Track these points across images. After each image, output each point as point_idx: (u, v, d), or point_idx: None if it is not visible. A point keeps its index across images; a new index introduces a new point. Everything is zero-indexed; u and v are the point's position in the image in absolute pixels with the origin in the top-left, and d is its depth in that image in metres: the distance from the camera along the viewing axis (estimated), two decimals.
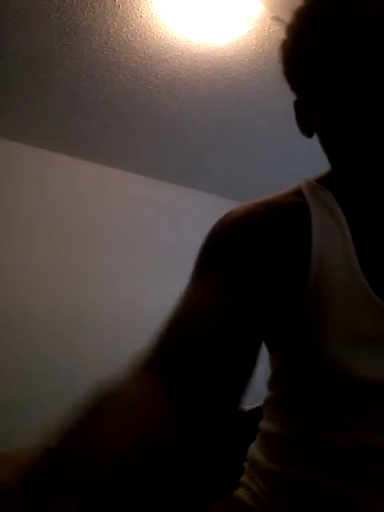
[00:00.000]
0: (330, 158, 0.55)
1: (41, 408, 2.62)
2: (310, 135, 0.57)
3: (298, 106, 0.59)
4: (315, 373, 0.52)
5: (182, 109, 2.38)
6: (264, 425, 0.62)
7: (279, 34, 1.78)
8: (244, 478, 0.62)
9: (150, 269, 3.23)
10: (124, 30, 1.80)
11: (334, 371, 0.49)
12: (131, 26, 1.77)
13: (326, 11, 0.51)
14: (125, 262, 3.13)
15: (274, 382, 0.60)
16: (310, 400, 0.53)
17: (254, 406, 0.75)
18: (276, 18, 1.69)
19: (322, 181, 0.57)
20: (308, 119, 0.56)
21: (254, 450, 0.63)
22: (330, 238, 0.50)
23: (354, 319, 0.48)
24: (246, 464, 0.64)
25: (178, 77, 2.10)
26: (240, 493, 0.60)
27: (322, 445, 0.52)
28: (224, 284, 0.46)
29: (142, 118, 2.47)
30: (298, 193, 0.55)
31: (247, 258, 0.49)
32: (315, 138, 0.57)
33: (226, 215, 0.55)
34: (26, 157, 2.79)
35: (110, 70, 2.06)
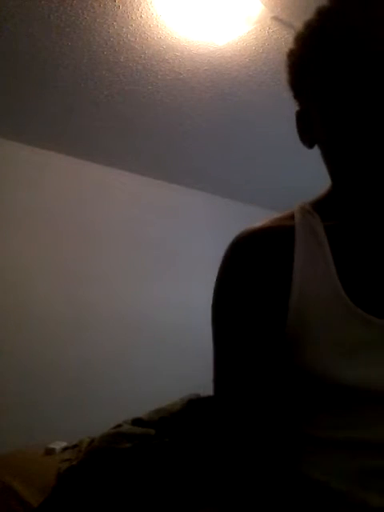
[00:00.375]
0: (330, 170, 0.57)
1: (39, 408, 2.62)
2: (311, 146, 0.59)
3: (300, 115, 0.60)
4: (304, 383, 0.54)
5: (182, 109, 2.38)
6: None
7: (279, 34, 1.78)
8: None
9: (148, 269, 3.23)
10: (124, 30, 1.80)
11: (322, 381, 0.51)
12: (131, 26, 1.77)
13: (335, 25, 0.52)
14: (124, 262, 3.13)
15: None
16: (301, 409, 0.56)
17: None
18: (276, 19, 1.69)
19: (316, 203, 0.60)
20: (310, 129, 0.58)
21: None
22: (312, 257, 0.54)
23: (337, 330, 0.51)
24: None
25: (178, 77, 2.10)
26: None
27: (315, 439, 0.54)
28: (241, 342, 0.56)
29: (142, 117, 2.47)
30: (292, 216, 0.59)
31: (247, 298, 0.56)
32: None
33: (227, 252, 0.60)
34: (25, 156, 2.79)
35: (109, 69, 2.06)
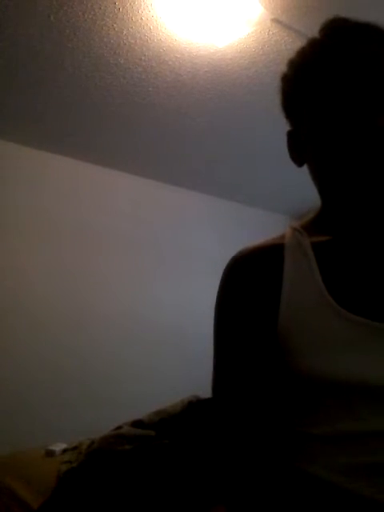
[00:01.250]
0: (319, 190, 0.63)
1: (39, 409, 2.61)
2: (300, 164, 0.65)
3: (291, 135, 0.66)
4: (296, 382, 0.58)
5: (182, 110, 2.38)
6: None
7: (279, 36, 1.79)
8: None
9: (149, 270, 3.23)
10: (124, 31, 1.80)
11: (310, 378, 0.55)
12: (131, 28, 1.78)
13: (327, 57, 0.58)
14: (124, 264, 3.13)
15: None
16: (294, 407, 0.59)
17: None
18: (276, 21, 1.70)
19: (305, 223, 0.66)
20: (300, 149, 0.64)
21: None
22: (299, 269, 0.59)
23: (323, 330, 0.55)
24: None
25: (178, 78, 2.11)
26: None
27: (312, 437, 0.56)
28: (239, 349, 0.60)
29: (142, 119, 2.48)
30: (283, 236, 0.65)
31: (243, 308, 0.61)
32: None
33: (225, 271, 0.65)
34: (25, 158, 2.80)
35: (110, 71, 2.07)
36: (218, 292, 0.64)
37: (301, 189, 2.49)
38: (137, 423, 1.84)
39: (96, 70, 2.06)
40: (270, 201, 3.63)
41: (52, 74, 2.08)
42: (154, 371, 3.09)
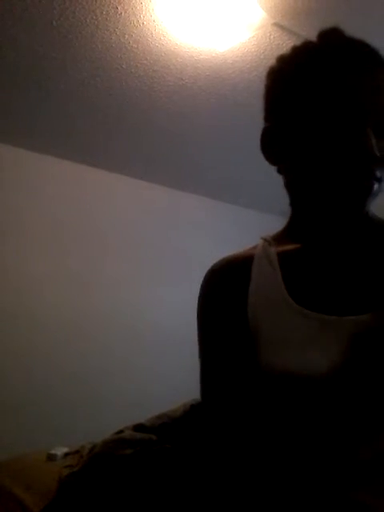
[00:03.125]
0: (292, 193, 0.66)
1: (41, 413, 2.61)
2: (275, 163, 0.67)
3: (268, 132, 0.66)
4: (265, 379, 0.60)
5: (183, 114, 2.39)
6: None
7: (280, 40, 1.79)
8: None
9: (150, 273, 3.23)
10: (126, 36, 1.81)
11: (273, 373, 0.58)
12: (133, 32, 1.79)
13: (320, 63, 0.59)
14: (125, 267, 3.13)
15: None
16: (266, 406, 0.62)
17: None
18: (277, 25, 1.70)
19: (276, 235, 0.71)
20: (276, 148, 0.65)
21: None
22: (264, 273, 0.64)
23: (283, 326, 0.58)
24: None
25: (180, 82, 2.11)
26: None
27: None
28: (219, 348, 0.65)
29: (144, 123, 2.49)
30: (255, 247, 0.70)
31: (219, 311, 0.67)
32: None
33: (203, 279, 0.72)
34: (28, 163, 2.81)
35: (111, 76, 2.08)
36: (198, 301, 0.70)
37: None
38: (138, 427, 1.83)
39: (98, 75, 2.07)
40: (271, 204, 3.63)
41: (54, 78, 2.09)
42: (155, 374, 3.08)
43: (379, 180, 0.57)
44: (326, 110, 0.56)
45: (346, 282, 0.58)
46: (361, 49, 0.58)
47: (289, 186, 0.66)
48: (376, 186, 0.57)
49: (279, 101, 0.63)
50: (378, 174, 0.56)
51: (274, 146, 0.65)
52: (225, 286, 0.66)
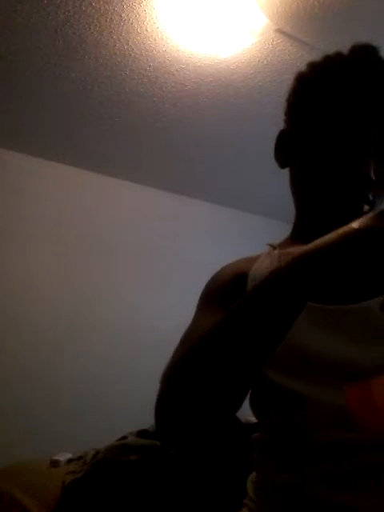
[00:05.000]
0: (297, 197, 0.67)
1: (44, 419, 2.61)
2: (282, 166, 0.68)
3: (283, 135, 0.68)
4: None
5: (187, 120, 2.40)
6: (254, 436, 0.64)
7: (283, 46, 1.80)
8: (246, 500, 0.62)
9: (153, 278, 3.23)
10: (130, 43, 1.82)
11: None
12: (137, 39, 1.80)
13: (348, 80, 0.59)
14: (128, 272, 3.13)
15: None
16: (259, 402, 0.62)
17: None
18: (280, 31, 1.71)
19: (282, 241, 0.72)
20: (288, 152, 0.66)
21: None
22: (265, 262, 0.66)
23: None
24: (248, 484, 0.64)
25: (183, 89, 2.12)
26: None
27: (287, 446, 0.56)
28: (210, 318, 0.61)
29: (147, 129, 2.50)
30: (262, 253, 0.72)
31: (221, 294, 0.66)
32: None
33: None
34: (31, 169, 2.82)
35: (115, 82, 2.09)
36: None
37: None
38: (142, 433, 1.82)
39: (102, 81, 2.08)
40: (275, 209, 3.63)
41: (58, 84, 2.11)
42: (159, 380, 3.07)
43: (371, 203, 0.58)
44: (336, 125, 0.58)
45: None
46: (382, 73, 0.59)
47: (293, 189, 0.68)
48: (366, 208, 0.58)
49: (298, 106, 0.65)
50: (371, 196, 0.58)
51: (285, 148, 0.67)
52: (230, 271, 0.68)
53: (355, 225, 0.40)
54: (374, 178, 0.56)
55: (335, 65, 0.61)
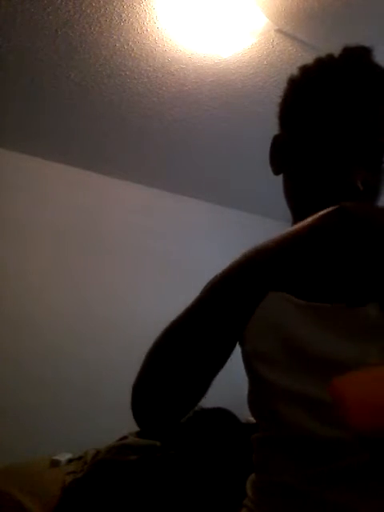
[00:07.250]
0: (292, 204, 0.66)
1: (45, 419, 2.60)
2: (276, 173, 0.67)
3: (278, 140, 0.66)
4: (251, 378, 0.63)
5: (187, 120, 2.40)
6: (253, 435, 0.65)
7: (283, 46, 1.80)
8: (246, 500, 0.62)
9: (153, 279, 3.23)
10: (130, 43, 1.82)
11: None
12: (137, 39, 1.80)
13: (340, 85, 0.58)
14: (128, 273, 3.13)
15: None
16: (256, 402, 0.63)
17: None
18: (280, 31, 1.71)
19: None
20: (282, 157, 0.65)
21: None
22: None
23: (278, 313, 0.60)
24: (247, 484, 0.64)
25: (183, 89, 2.12)
26: None
27: (287, 446, 0.56)
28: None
29: (147, 129, 2.50)
30: None
31: None
32: None
33: None
34: (31, 168, 2.82)
35: (115, 82, 2.09)
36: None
37: None
38: (142, 433, 1.82)
39: (102, 81, 2.08)
40: (275, 210, 3.62)
41: (58, 84, 2.11)
42: None
43: None
44: (324, 132, 0.57)
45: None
46: (377, 77, 0.58)
47: (286, 195, 0.67)
48: None
49: (290, 110, 0.64)
50: None
51: (278, 154, 0.66)
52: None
53: (309, 220, 0.43)
54: (361, 188, 0.55)
55: (326, 70, 0.60)
